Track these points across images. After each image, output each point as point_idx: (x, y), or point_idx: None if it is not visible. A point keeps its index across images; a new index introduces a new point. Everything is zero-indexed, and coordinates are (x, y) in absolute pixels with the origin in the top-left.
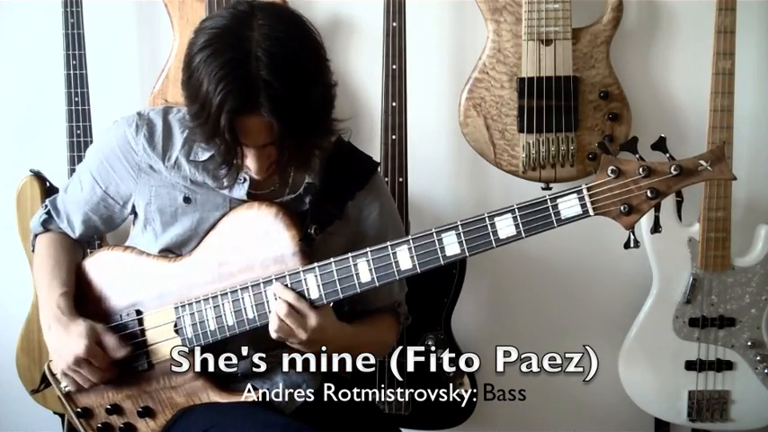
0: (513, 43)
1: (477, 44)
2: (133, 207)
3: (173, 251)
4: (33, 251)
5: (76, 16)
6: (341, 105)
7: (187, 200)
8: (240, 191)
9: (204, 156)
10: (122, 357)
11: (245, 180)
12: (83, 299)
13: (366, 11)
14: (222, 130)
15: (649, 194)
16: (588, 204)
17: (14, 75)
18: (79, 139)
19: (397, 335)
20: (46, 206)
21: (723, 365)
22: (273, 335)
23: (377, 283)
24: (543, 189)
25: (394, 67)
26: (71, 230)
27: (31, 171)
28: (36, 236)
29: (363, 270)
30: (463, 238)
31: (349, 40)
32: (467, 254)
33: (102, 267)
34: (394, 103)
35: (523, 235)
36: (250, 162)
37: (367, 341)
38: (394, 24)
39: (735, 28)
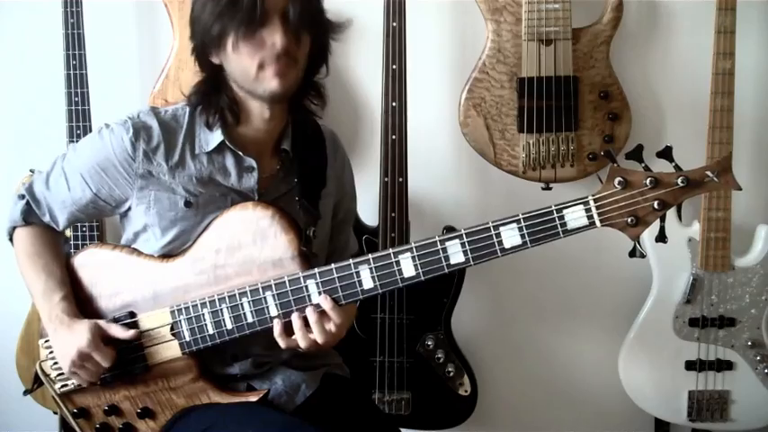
0: (513, 43)
1: (477, 44)
2: (127, 209)
3: (171, 255)
4: (10, 241)
5: (76, 16)
6: (341, 105)
7: (188, 204)
8: (249, 181)
9: (211, 144)
10: (132, 338)
11: (252, 170)
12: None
13: (366, 11)
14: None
15: (656, 206)
16: (595, 216)
17: (14, 75)
18: (79, 139)
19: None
20: (23, 196)
21: (723, 365)
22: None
23: (380, 290)
24: (543, 189)
25: (394, 67)
26: (55, 224)
27: (31, 171)
28: (14, 227)
29: (366, 277)
30: (468, 247)
31: (349, 40)
32: (471, 263)
33: (92, 267)
34: (394, 103)
35: (529, 245)
36: (275, 30)
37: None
38: (394, 24)
39: (735, 28)
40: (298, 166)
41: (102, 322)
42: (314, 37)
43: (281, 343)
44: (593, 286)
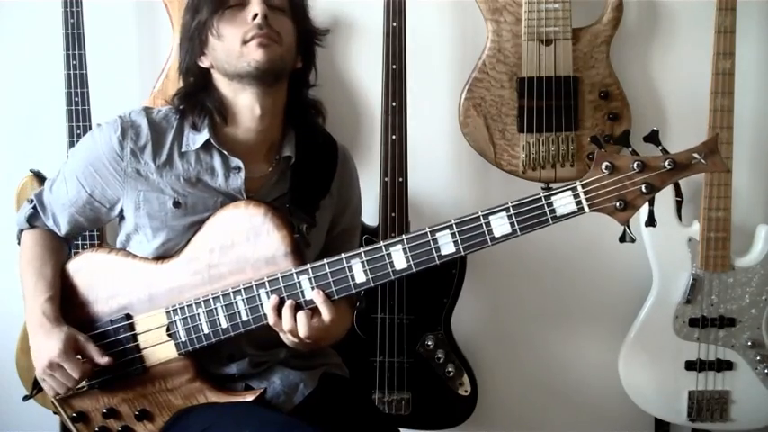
0: (513, 43)
1: (477, 44)
2: (121, 210)
3: (165, 256)
4: (18, 244)
5: (76, 16)
6: (341, 105)
7: (177, 204)
8: (236, 181)
9: (197, 143)
10: (105, 365)
11: (239, 170)
12: (69, 302)
13: (366, 11)
14: None
15: (644, 189)
16: (583, 201)
17: (14, 75)
18: (79, 138)
19: (352, 319)
20: (32, 201)
21: (723, 365)
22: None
23: (372, 284)
24: (543, 189)
25: (394, 67)
26: (57, 228)
27: (30, 171)
28: (21, 231)
29: (358, 271)
30: (458, 237)
31: (349, 40)
32: (462, 252)
33: (88, 270)
34: (394, 103)
35: (519, 233)
36: (254, 3)
37: (339, 331)
38: (394, 24)
39: (735, 28)
40: (294, 174)
41: (81, 337)
42: (297, 25)
43: (271, 318)
44: (593, 286)
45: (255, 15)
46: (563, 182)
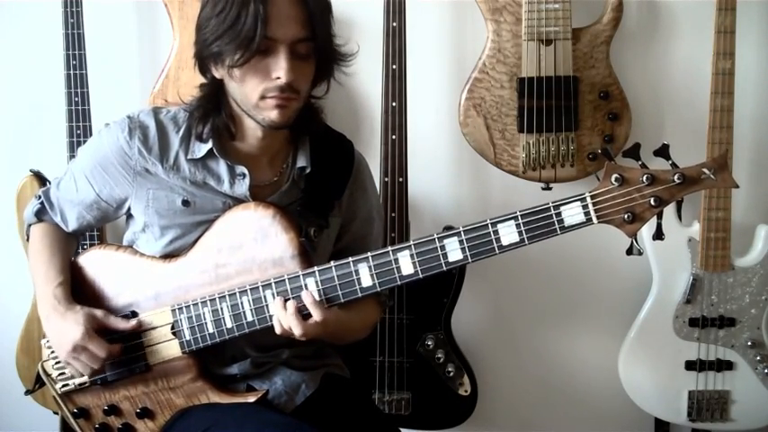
0: (513, 43)
1: (477, 44)
2: (128, 209)
3: (173, 255)
4: (27, 240)
5: (76, 16)
6: (341, 105)
7: (186, 203)
8: (241, 187)
9: (202, 151)
10: (133, 329)
11: (244, 176)
12: (76, 298)
13: (366, 11)
14: (256, 22)
15: (653, 203)
16: (592, 212)
17: (14, 75)
18: (79, 138)
19: (379, 317)
20: (39, 197)
21: (723, 365)
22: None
23: (378, 288)
24: (543, 189)
25: (394, 67)
26: (64, 225)
27: (30, 171)
28: (30, 225)
29: (365, 275)
30: (466, 245)
31: (349, 40)
32: (469, 260)
33: (95, 267)
34: (394, 103)
35: (527, 242)
36: (281, 62)
37: (356, 327)
38: (394, 24)
39: (735, 28)
40: (308, 183)
41: (99, 313)
42: (318, 64)
43: (277, 328)
44: (593, 286)
45: (279, 78)
46: (563, 182)
